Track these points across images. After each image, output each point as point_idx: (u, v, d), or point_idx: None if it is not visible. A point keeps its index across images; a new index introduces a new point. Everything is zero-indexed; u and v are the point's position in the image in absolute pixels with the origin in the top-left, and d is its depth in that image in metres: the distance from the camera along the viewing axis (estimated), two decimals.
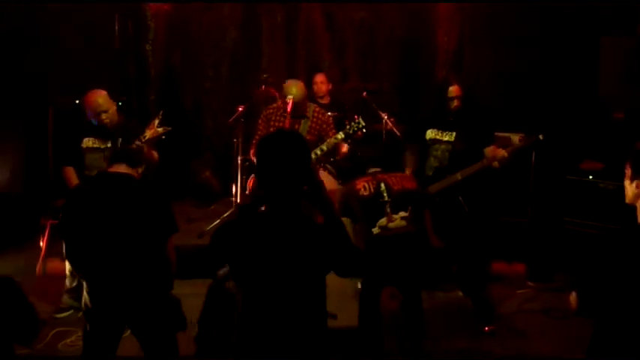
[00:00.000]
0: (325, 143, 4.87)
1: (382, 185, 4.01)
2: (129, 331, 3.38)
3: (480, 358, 4.40)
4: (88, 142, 4.71)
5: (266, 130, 5.01)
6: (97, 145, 4.69)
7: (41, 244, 5.55)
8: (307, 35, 7.55)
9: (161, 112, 4.59)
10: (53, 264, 5.50)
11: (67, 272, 4.84)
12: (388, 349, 4.23)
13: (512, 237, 5.85)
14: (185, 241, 5.09)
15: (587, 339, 2.64)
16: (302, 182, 2.52)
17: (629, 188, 2.62)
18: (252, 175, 5.37)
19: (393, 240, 4.01)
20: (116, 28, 7.13)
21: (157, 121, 4.49)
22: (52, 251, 5.49)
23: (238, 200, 6.28)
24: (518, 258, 5.83)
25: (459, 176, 4.54)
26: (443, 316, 4.90)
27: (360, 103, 6.89)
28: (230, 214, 6.11)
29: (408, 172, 4.71)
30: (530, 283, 5.57)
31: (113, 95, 4.78)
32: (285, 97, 4.87)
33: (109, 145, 4.63)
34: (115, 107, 4.70)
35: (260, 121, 5.20)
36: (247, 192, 5.51)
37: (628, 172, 2.63)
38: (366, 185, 4.08)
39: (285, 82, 5.07)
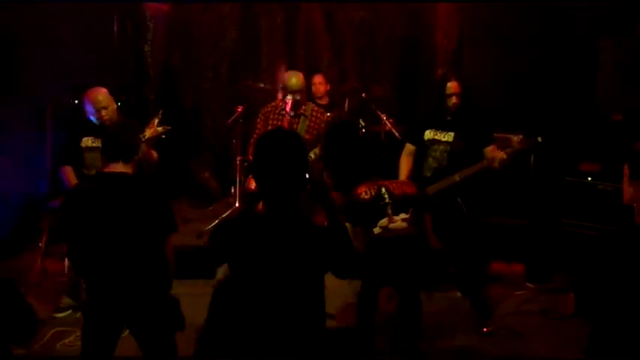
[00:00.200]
0: (316, 150, 4.88)
1: (383, 189, 4.02)
2: (127, 331, 3.38)
3: (477, 359, 4.41)
4: (87, 141, 4.71)
5: (264, 129, 5.02)
6: (97, 144, 4.68)
7: (40, 243, 5.55)
8: (306, 35, 7.55)
9: (161, 112, 4.59)
10: (52, 264, 5.50)
11: (66, 272, 4.84)
12: (385, 349, 4.24)
13: (510, 238, 5.86)
14: (183, 241, 5.09)
15: (585, 340, 2.64)
16: (299, 181, 2.52)
17: (627, 189, 2.62)
18: (251, 175, 5.38)
19: (393, 241, 4.02)
20: (115, 28, 7.13)
21: (156, 120, 4.49)
22: (51, 251, 5.49)
23: (237, 201, 6.28)
24: (517, 259, 5.83)
25: (457, 177, 4.54)
26: (441, 317, 4.90)
27: (360, 104, 6.89)
28: (229, 214, 6.12)
29: (403, 171, 4.73)
30: (528, 284, 5.58)
31: (112, 95, 4.78)
32: (285, 89, 4.88)
33: None
34: (115, 105, 4.71)
35: (258, 120, 5.21)
36: (246, 191, 5.51)
37: (626, 173, 2.63)
38: (367, 190, 4.09)
39: (285, 74, 5.08)
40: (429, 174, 4.68)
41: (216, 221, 5.84)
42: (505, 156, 4.48)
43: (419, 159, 4.79)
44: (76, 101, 5.90)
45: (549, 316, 4.96)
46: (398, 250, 4.03)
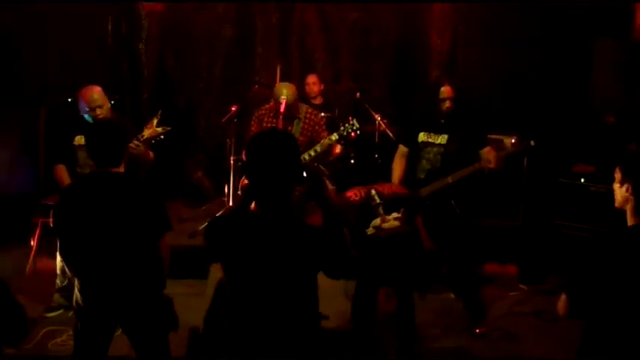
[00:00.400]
0: (319, 145, 4.88)
1: (372, 191, 4.02)
2: (120, 330, 3.37)
3: None
4: (80, 139, 4.69)
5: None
6: None
7: (32, 242, 5.52)
8: (301, 36, 7.54)
9: (160, 112, 4.58)
10: (43, 263, 5.47)
11: (58, 271, 4.82)
12: (381, 349, 4.23)
13: (504, 239, 5.87)
14: (177, 240, 5.08)
15: (578, 341, 2.65)
16: (291, 181, 2.52)
17: (619, 192, 2.63)
18: (245, 175, 5.37)
19: (386, 240, 4.02)
20: (109, 27, 7.11)
21: (155, 121, 4.48)
22: (43, 250, 5.47)
23: (230, 200, 6.27)
24: (511, 260, 5.84)
25: (450, 179, 4.54)
26: (434, 318, 4.90)
27: (353, 104, 6.89)
28: (222, 214, 6.10)
29: (396, 173, 4.73)
30: (521, 286, 5.59)
31: (106, 94, 4.76)
32: (277, 99, 4.87)
33: None
34: (109, 104, 4.69)
35: (252, 122, 5.20)
36: (239, 192, 5.51)
37: (618, 176, 2.64)
38: (357, 192, 4.10)
39: (276, 85, 5.07)
40: (422, 176, 4.68)
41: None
42: (500, 157, 4.49)
43: (412, 161, 4.78)
44: (70, 99, 5.89)
45: (543, 317, 4.97)
46: (392, 249, 4.03)
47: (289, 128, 4.94)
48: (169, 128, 4.55)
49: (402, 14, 7.38)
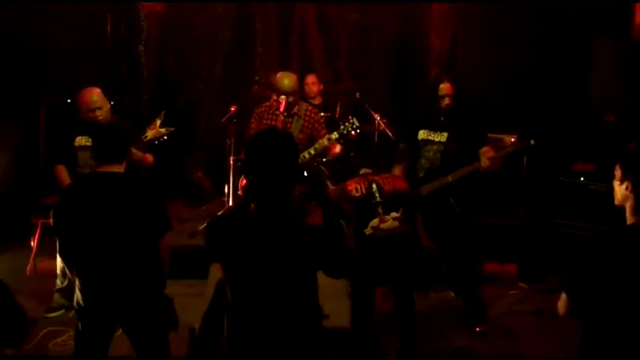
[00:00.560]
0: (318, 143, 4.88)
1: (374, 186, 4.01)
2: (120, 331, 3.37)
3: (470, 359, 4.41)
4: (80, 140, 4.70)
5: (258, 129, 5.02)
6: (90, 144, 4.66)
7: (32, 243, 5.53)
8: (301, 36, 7.54)
9: (163, 113, 4.58)
10: (44, 263, 5.49)
11: (58, 271, 4.83)
12: (380, 349, 4.23)
13: (504, 238, 5.87)
14: (177, 240, 5.09)
15: (578, 340, 2.65)
16: (290, 180, 2.53)
17: (619, 190, 2.63)
18: (244, 175, 5.37)
19: (385, 240, 4.01)
20: (109, 28, 7.11)
21: (158, 122, 4.48)
22: (43, 250, 5.48)
23: (230, 200, 6.27)
24: (510, 259, 5.84)
25: (449, 178, 4.54)
26: (434, 317, 4.91)
27: (353, 104, 6.89)
28: (222, 213, 6.11)
29: (398, 172, 4.72)
30: (521, 284, 5.59)
31: (106, 95, 4.77)
32: (278, 91, 4.87)
33: None
34: (108, 105, 4.69)
35: (252, 120, 5.21)
36: (239, 192, 5.51)
37: (618, 173, 2.64)
38: (358, 187, 4.08)
39: (277, 75, 5.07)
40: (422, 174, 4.69)
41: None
42: (497, 157, 4.49)
43: (412, 159, 4.79)
44: (69, 100, 5.90)
45: (543, 316, 4.98)
46: (390, 250, 4.03)
47: (289, 126, 4.94)
48: (173, 129, 4.55)
49: (402, 14, 7.38)
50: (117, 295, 3.20)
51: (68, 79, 6.27)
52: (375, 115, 6.52)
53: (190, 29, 7.43)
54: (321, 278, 2.55)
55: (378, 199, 3.98)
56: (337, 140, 4.90)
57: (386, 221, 4.02)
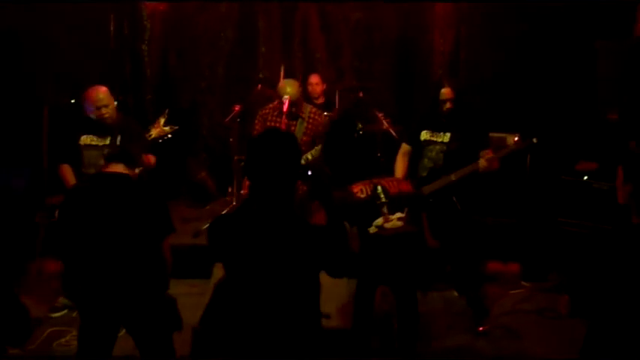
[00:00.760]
0: (321, 145, 4.87)
1: (379, 187, 4.01)
2: (124, 331, 3.38)
3: (473, 358, 4.42)
4: (86, 139, 4.71)
5: (262, 131, 5.02)
6: (96, 143, 4.68)
7: (36, 242, 5.53)
8: (303, 35, 7.54)
9: (167, 111, 4.58)
10: (48, 263, 5.50)
11: (63, 271, 4.83)
12: (381, 348, 4.24)
13: (506, 237, 5.87)
14: (181, 240, 5.10)
15: (581, 339, 2.66)
16: (292, 181, 2.54)
17: (623, 189, 2.63)
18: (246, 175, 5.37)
19: (389, 240, 4.02)
20: (112, 28, 7.12)
21: (162, 120, 4.49)
22: (47, 250, 5.49)
23: (234, 200, 6.28)
24: (513, 258, 5.84)
25: (452, 177, 4.55)
26: (437, 316, 4.91)
27: (356, 103, 6.89)
28: (226, 213, 6.11)
29: (399, 170, 4.74)
30: (524, 283, 5.59)
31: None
32: (281, 97, 4.88)
33: (108, 142, 4.62)
34: (114, 104, 4.70)
35: (256, 122, 5.21)
36: (243, 192, 5.52)
37: (621, 172, 2.64)
38: (363, 189, 4.09)
39: (279, 83, 5.08)
40: (424, 174, 4.70)
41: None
42: (494, 158, 4.50)
43: (415, 159, 4.80)
44: (73, 100, 5.90)
45: (545, 315, 4.98)
46: (394, 249, 4.03)
47: (292, 128, 4.95)
48: (177, 127, 4.55)
49: (404, 14, 7.38)
50: (120, 295, 3.21)
51: (71, 78, 6.28)
52: (379, 115, 6.52)
53: (193, 29, 7.43)
54: (323, 278, 2.56)
55: (383, 200, 3.98)
56: None
57: (390, 221, 4.02)
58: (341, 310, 4.49)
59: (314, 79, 6.73)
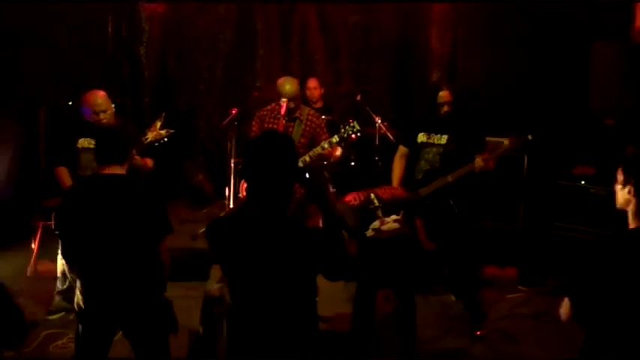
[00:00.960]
0: (319, 147, 4.87)
1: (372, 195, 4.02)
2: (120, 333, 3.37)
3: None
4: (83, 142, 4.70)
5: (260, 132, 5.01)
6: (93, 146, 4.66)
7: (33, 245, 5.53)
8: (302, 37, 7.55)
9: (163, 114, 4.58)
10: (44, 265, 5.49)
11: (59, 273, 4.82)
12: (381, 351, 4.23)
13: (504, 242, 5.87)
14: (177, 243, 5.09)
15: (578, 344, 2.65)
16: (289, 183, 2.54)
17: (621, 194, 2.62)
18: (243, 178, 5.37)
19: (386, 243, 4.02)
20: (110, 30, 7.12)
21: (159, 123, 4.48)
22: (44, 252, 5.48)
23: (231, 203, 6.27)
24: (510, 262, 5.85)
25: (449, 178, 4.56)
26: (434, 320, 4.91)
27: (354, 106, 6.90)
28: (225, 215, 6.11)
29: (396, 175, 4.74)
30: (521, 288, 5.59)
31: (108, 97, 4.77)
32: (279, 95, 4.87)
33: None
34: (113, 109, 4.69)
35: (254, 123, 5.20)
36: (240, 195, 5.51)
37: (619, 177, 2.63)
38: (356, 197, 4.11)
39: (279, 80, 5.08)
40: (421, 176, 4.70)
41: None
42: (494, 156, 4.50)
43: (411, 161, 4.80)
44: (70, 103, 5.89)
45: (542, 319, 4.97)
46: (391, 251, 4.03)
47: (290, 130, 4.95)
48: (173, 131, 4.55)
49: (402, 16, 7.40)
50: (117, 297, 3.20)
51: (69, 80, 6.28)
52: (376, 118, 6.52)
53: (191, 31, 7.44)
54: (322, 282, 2.56)
55: (377, 204, 3.98)
56: (338, 143, 4.90)
57: (386, 223, 4.02)
58: (339, 314, 4.48)
59: (312, 83, 6.73)
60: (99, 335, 3.26)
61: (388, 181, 4.88)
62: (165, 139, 4.54)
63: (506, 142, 5.23)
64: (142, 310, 3.26)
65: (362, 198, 4.05)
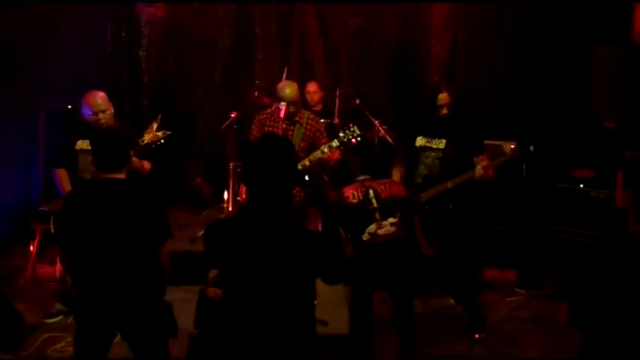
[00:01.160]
0: (319, 151, 4.88)
1: (371, 192, 4.00)
2: (119, 337, 3.36)
3: None
4: (82, 144, 4.70)
5: (259, 136, 5.01)
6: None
7: (31, 248, 5.52)
8: (301, 40, 7.55)
9: (159, 116, 4.58)
10: (43, 268, 5.48)
11: (57, 277, 4.82)
12: (379, 354, 4.23)
13: (503, 244, 5.87)
14: (176, 246, 5.08)
15: (577, 347, 2.65)
16: (288, 187, 2.53)
17: (621, 195, 2.62)
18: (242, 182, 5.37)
19: (382, 246, 4.01)
20: (109, 34, 7.12)
21: (155, 125, 4.48)
22: (42, 256, 5.47)
23: (230, 207, 6.27)
24: (510, 265, 5.84)
25: (449, 184, 4.54)
26: (433, 323, 4.90)
27: (353, 110, 6.90)
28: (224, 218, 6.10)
29: (396, 177, 4.73)
30: (521, 291, 5.59)
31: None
32: (279, 100, 4.88)
33: None
34: (112, 110, 4.70)
35: (253, 127, 5.20)
36: (239, 198, 5.51)
37: (620, 179, 2.63)
38: (355, 193, 4.08)
39: (279, 84, 5.08)
40: (420, 181, 4.69)
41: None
42: (490, 166, 4.50)
43: (410, 166, 4.79)
44: (70, 106, 5.89)
45: (542, 322, 4.98)
46: (388, 255, 4.03)
47: (290, 133, 4.95)
48: (170, 133, 4.55)
49: (402, 19, 7.40)
50: (116, 301, 3.20)
51: (68, 84, 6.27)
52: (375, 122, 6.52)
53: (190, 34, 7.43)
54: (321, 285, 2.56)
55: (375, 206, 3.97)
56: (338, 147, 4.90)
57: (383, 227, 4.02)
58: (338, 317, 4.48)
59: (312, 87, 6.73)
60: (98, 339, 3.26)
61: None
62: (162, 141, 4.54)
63: (506, 147, 5.24)
64: (141, 313, 3.25)
65: (361, 195, 4.03)
